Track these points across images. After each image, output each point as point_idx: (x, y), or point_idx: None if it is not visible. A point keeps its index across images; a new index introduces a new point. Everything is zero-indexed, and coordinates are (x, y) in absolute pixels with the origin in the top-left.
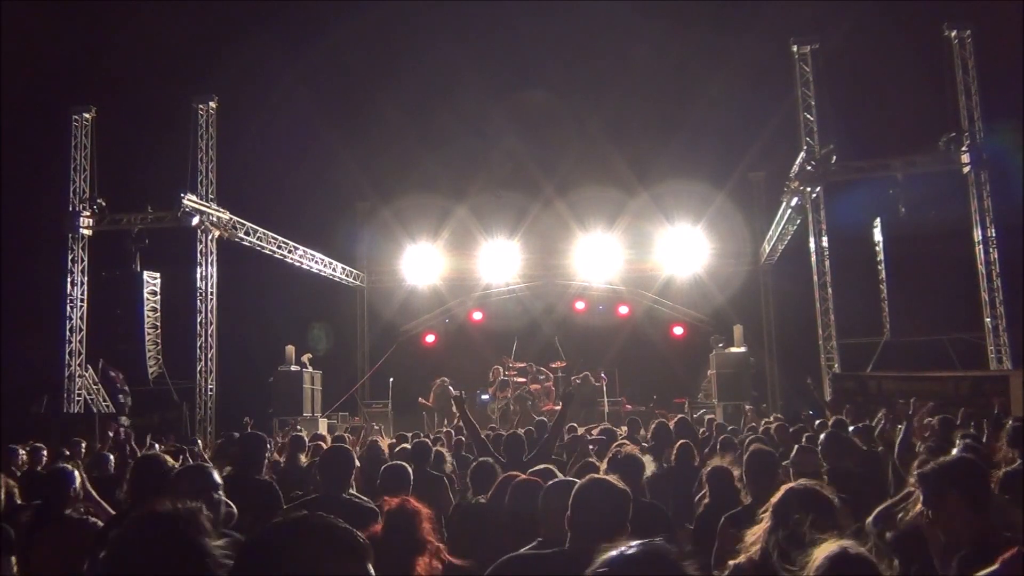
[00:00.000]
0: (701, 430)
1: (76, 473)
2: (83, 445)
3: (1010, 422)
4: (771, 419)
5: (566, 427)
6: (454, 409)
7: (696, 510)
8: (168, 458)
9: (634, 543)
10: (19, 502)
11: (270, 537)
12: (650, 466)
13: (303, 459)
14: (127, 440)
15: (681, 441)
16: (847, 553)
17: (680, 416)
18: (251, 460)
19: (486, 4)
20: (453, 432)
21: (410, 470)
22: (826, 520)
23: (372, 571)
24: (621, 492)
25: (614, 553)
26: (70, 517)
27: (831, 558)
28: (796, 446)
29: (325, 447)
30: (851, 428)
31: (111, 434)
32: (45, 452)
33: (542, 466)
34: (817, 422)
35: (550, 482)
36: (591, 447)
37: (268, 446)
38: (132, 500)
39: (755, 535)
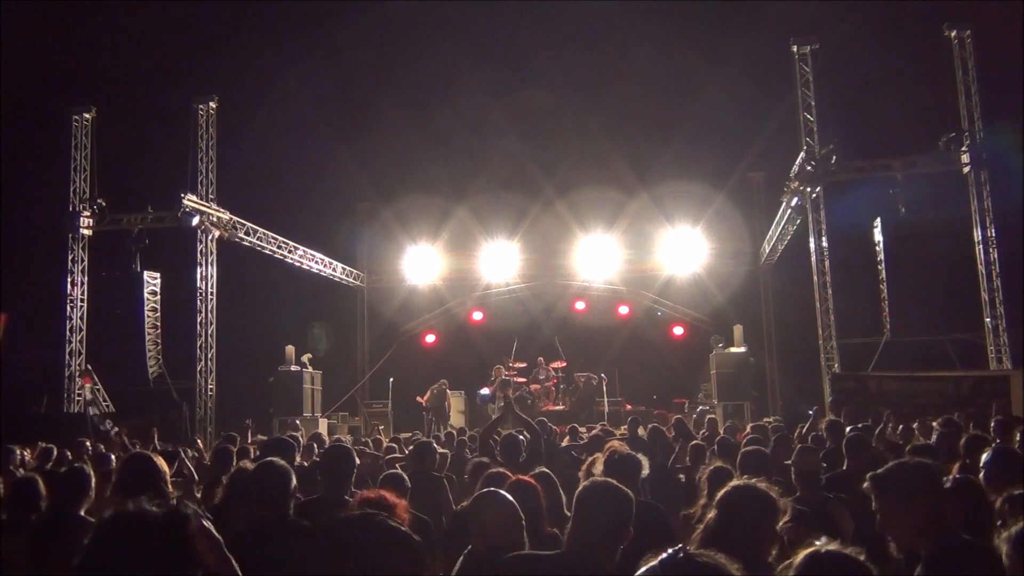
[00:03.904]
0: (702, 431)
1: (92, 473)
2: (87, 444)
3: (994, 422)
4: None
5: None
6: (447, 411)
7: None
8: (159, 458)
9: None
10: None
11: (331, 534)
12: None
13: (297, 459)
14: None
15: (694, 443)
16: (819, 554)
17: (676, 416)
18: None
19: (486, 4)
20: (456, 433)
21: (406, 477)
22: (772, 517)
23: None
24: (624, 495)
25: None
26: (86, 519)
27: (806, 559)
28: (799, 446)
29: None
30: (848, 429)
31: (114, 436)
32: (55, 452)
33: (539, 470)
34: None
35: (480, 492)
36: (573, 452)
37: (296, 453)
38: (117, 498)
39: (701, 526)
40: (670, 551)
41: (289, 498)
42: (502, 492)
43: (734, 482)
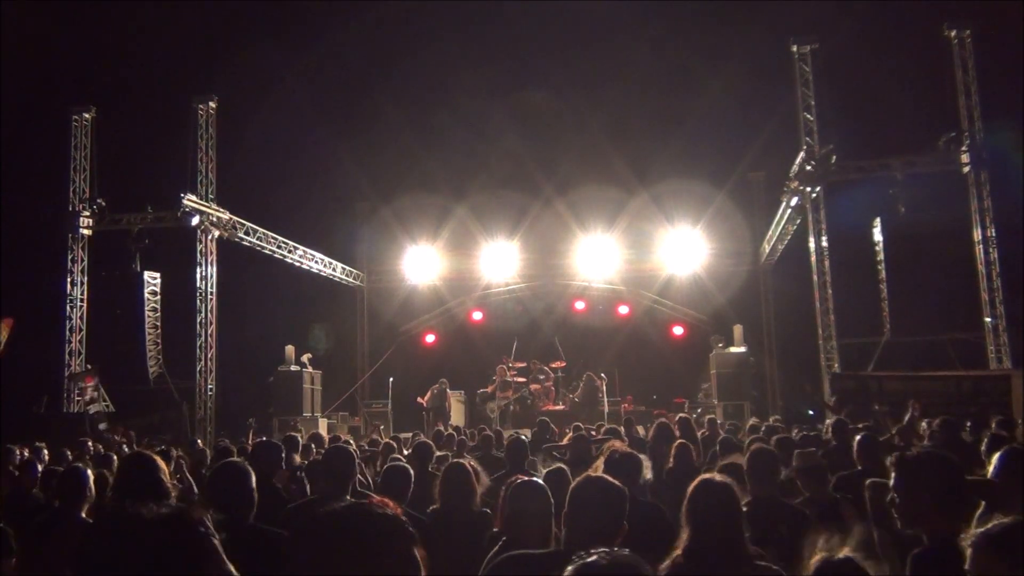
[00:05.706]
0: (702, 431)
1: (89, 473)
2: (90, 444)
3: (995, 423)
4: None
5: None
6: (448, 411)
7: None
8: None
9: (602, 551)
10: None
11: (320, 525)
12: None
13: (296, 459)
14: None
15: (679, 441)
16: (832, 560)
17: (681, 416)
18: (266, 465)
19: (486, 4)
20: (455, 433)
21: (411, 471)
22: (738, 519)
23: (419, 556)
24: (617, 491)
25: (586, 560)
26: (86, 520)
27: (818, 565)
28: (797, 450)
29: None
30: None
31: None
32: (46, 451)
33: (555, 466)
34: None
35: (517, 482)
36: (556, 452)
37: (283, 453)
38: (116, 499)
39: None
40: (591, 552)
41: (251, 502)
42: (538, 481)
43: (692, 485)
